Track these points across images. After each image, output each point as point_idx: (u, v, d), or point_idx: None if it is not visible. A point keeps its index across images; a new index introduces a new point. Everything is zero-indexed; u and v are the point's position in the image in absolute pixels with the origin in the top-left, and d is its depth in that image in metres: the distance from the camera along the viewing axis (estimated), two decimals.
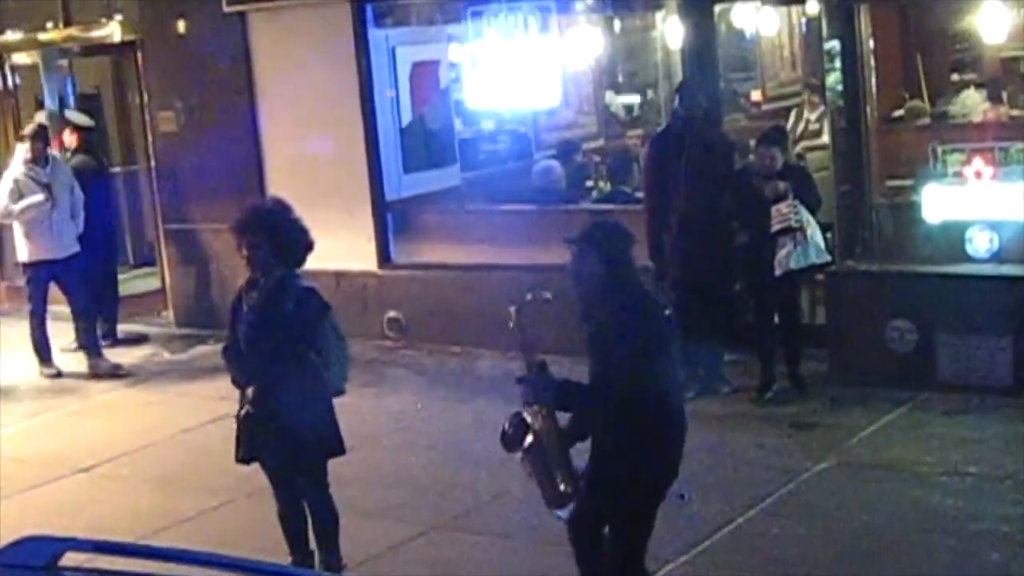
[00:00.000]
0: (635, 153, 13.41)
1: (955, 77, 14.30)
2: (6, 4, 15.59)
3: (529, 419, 6.39)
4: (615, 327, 6.29)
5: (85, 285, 13.18)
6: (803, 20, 16.66)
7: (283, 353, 7.39)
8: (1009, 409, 9.87)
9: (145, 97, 14.79)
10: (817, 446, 9.60)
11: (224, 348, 7.78)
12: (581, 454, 6.51)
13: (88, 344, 13.13)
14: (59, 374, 13.01)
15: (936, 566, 7.67)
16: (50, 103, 15.33)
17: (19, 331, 13.83)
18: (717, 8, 12.48)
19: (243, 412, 7.49)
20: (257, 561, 4.03)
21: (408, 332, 13.07)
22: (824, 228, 10.58)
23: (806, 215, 10.30)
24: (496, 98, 12.18)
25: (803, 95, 15.77)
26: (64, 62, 15.77)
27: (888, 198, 11.18)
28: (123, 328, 14.21)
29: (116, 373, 12.88)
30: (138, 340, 14.18)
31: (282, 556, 7.62)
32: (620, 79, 17.41)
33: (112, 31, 14.89)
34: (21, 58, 15.86)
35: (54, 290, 13.13)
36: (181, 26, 14.04)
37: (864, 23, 10.79)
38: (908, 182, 11.14)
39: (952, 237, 10.42)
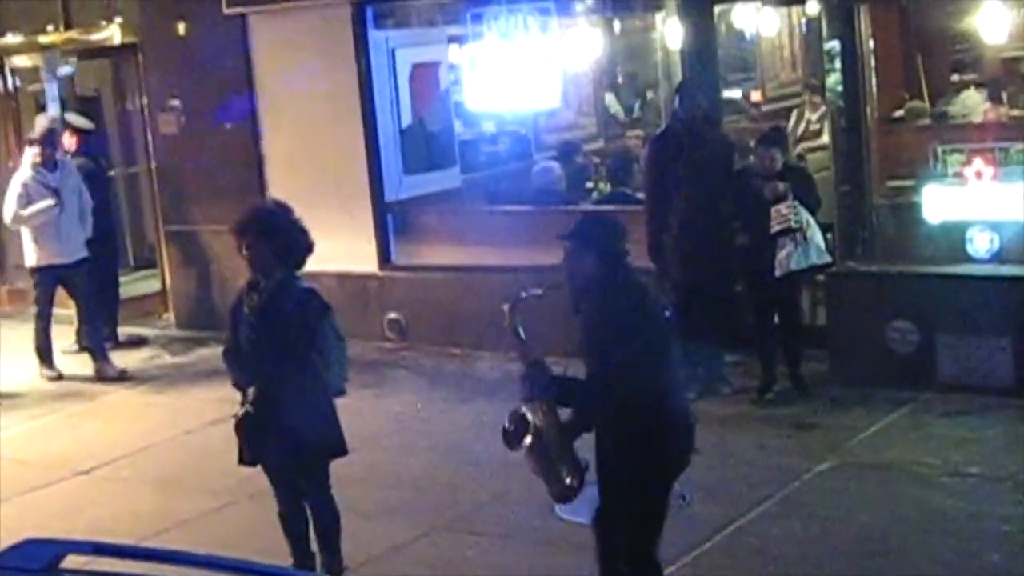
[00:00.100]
0: (635, 154, 13.41)
1: (955, 77, 14.32)
2: (6, 7, 15.60)
3: (529, 415, 6.39)
4: (609, 323, 6.29)
5: (92, 288, 13.19)
6: (803, 21, 16.69)
7: (284, 354, 7.39)
8: (1010, 409, 9.87)
9: (145, 99, 14.81)
10: (818, 447, 9.60)
11: (225, 350, 7.78)
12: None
13: (95, 347, 13.12)
14: (60, 376, 13.01)
15: (937, 567, 7.67)
16: (51, 106, 15.32)
17: (20, 334, 13.83)
18: (717, 9, 12.49)
19: (243, 413, 7.49)
20: (258, 563, 4.03)
21: (408, 333, 13.07)
22: (824, 229, 10.58)
23: (806, 216, 10.30)
24: (496, 99, 12.16)
25: (804, 96, 15.78)
26: (67, 64, 15.75)
27: (888, 198, 11.17)
28: (124, 330, 14.20)
29: (121, 378, 12.86)
30: (138, 342, 14.17)
31: (283, 558, 7.61)
32: (620, 80, 17.42)
33: (112, 33, 14.90)
34: (22, 61, 15.85)
35: (58, 292, 13.13)
36: (181, 28, 14.03)
37: (864, 23, 10.79)
38: (908, 182, 11.14)
39: (953, 237, 10.41)
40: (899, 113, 13.11)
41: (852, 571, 7.77)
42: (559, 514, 6.71)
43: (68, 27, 15.34)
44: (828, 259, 10.57)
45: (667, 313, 6.60)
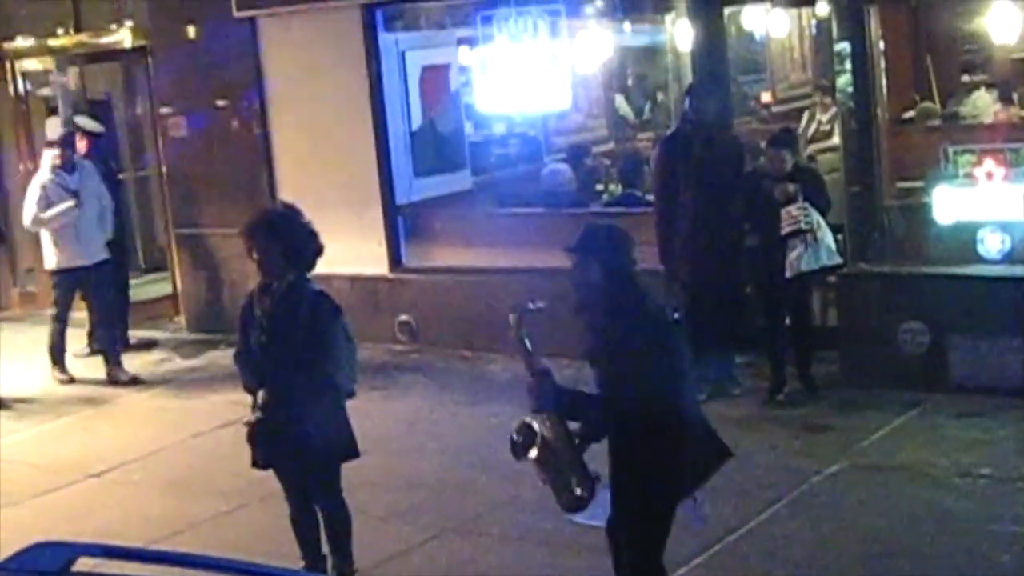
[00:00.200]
0: (645, 156, 13.40)
1: (966, 78, 14.31)
2: (17, 11, 15.63)
3: (536, 426, 6.37)
4: (619, 335, 6.27)
5: (109, 292, 13.20)
6: (813, 22, 16.68)
7: (296, 357, 7.39)
8: (1022, 411, 9.85)
9: (155, 102, 14.83)
10: (829, 448, 9.59)
11: (236, 353, 7.78)
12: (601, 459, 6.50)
13: (108, 351, 13.12)
14: (71, 380, 13.02)
15: (948, 568, 7.65)
16: (62, 109, 15.35)
17: (30, 337, 13.86)
18: (727, 11, 12.49)
19: (255, 420, 7.49)
20: (269, 566, 4.04)
21: (419, 336, 13.08)
22: (835, 230, 10.57)
23: (816, 217, 10.29)
24: (506, 102, 12.17)
25: (814, 97, 15.76)
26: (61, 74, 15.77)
27: (899, 200, 11.16)
28: (134, 334, 14.22)
29: (133, 382, 12.86)
30: (149, 345, 14.19)
31: (294, 561, 7.61)
32: (630, 82, 17.41)
33: (123, 37, 14.95)
34: (31, 64, 15.88)
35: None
36: (191, 31, 14.05)
37: (874, 25, 10.78)
38: (919, 183, 11.12)
39: (963, 238, 10.40)
40: (909, 114, 13.10)
41: (862, 573, 7.75)
42: (572, 517, 6.69)
43: (78, 30, 15.38)
44: (839, 260, 10.56)
45: (675, 316, 6.57)
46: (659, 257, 10.53)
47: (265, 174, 13.80)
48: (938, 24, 13.51)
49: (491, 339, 11.88)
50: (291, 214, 7.66)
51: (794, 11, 16.14)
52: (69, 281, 12.92)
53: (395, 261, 13.32)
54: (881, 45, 10.85)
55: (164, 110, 14.49)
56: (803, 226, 10.23)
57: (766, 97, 16.88)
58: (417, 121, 13.38)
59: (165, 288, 15.56)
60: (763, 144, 11.25)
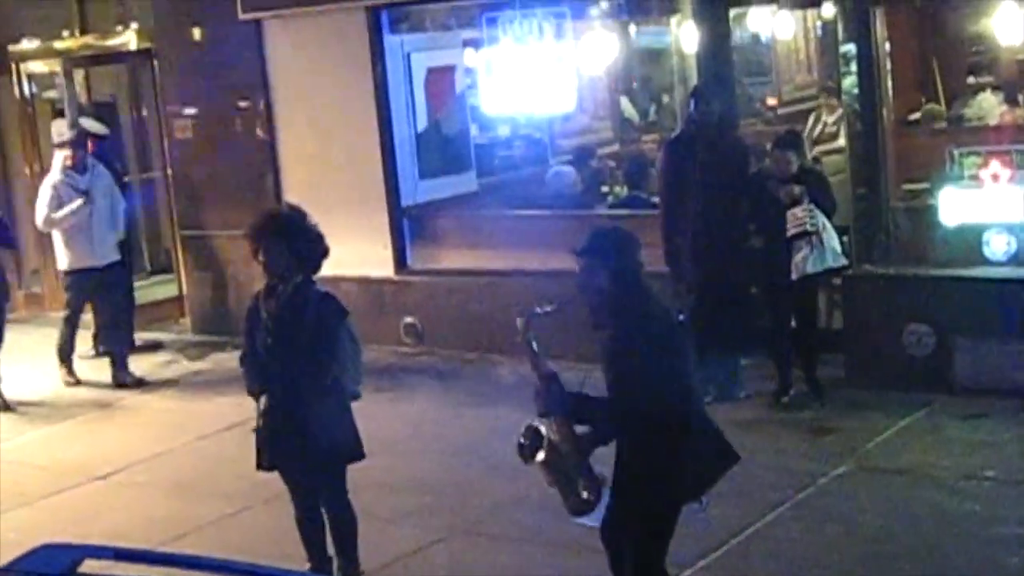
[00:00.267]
0: (650, 158, 13.40)
1: (971, 80, 14.28)
2: (22, 13, 15.64)
3: (543, 430, 6.38)
4: (626, 340, 6.27)
5: (118, 294, 13.21)
6: (819, 24, 16.65)
7: (303, 359, 7.40)
8: None
9: (161, 104, 14.84)
10: (834, 450, 9.58)
11: (242, 355, 7.79)
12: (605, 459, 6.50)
13: (115, 353, 13.13)
14: (78, 382, 13.03)
15: (954, 571, 7.65)
16: (68, 111, 15.36)
17: (36, 339, 13.88)
18: (732, 12, 12.47)
19: (261, 421, 7.51)
20: (275, 567, 4.04)
21: (425, 338, 13.08)
22: (840, 232, 10.55)
23: (822, 219, 10.28)
24: (512, 104, 12.18)
25: (820, 98, 15.75)
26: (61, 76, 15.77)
27: (905, 201, 11.15)
28: (140, 336, 14.22)
29: (138, 385, 12.87)
30: (154, 347, 14.20)
31: (300, 562, 7.62)
32: (635, 84, 17.42)
33: (128, 39, 14.97)
34: (37, 67, 15.89)
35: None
36: (197, 34, 14.07)
37: (880, 26, 10.77)
38: (925, 185, 11.12)
39: (969, 240, 10.39)
40: (915, 116, 13.09)
41: (870, 574, 7.75)
42: (584, 521, 6.69)
43: (83, 33, 15.39)
44: (844, 262, 10.55)
45: (681, 318, 6.56)
46: (664, 259, 10.52)
47: (271, 176, 13.81)
48: (944, 26, 13.49)
49: (497, 341, 11.89)
50: (297, 216, 7.66)
51: (800, 13, 16.12)
52: (82, 282, 12.92)
53: (400, 263, 13.32)
54: (887, 47, 10.85)
55: (169, 112, 14.50)
56: (808, 228, 10.22)
57: (771, 99, 16.88)
58: (422, 123, 13.39)
59: (171, 290, 15.56)
60: (768, 146, 11.24)
